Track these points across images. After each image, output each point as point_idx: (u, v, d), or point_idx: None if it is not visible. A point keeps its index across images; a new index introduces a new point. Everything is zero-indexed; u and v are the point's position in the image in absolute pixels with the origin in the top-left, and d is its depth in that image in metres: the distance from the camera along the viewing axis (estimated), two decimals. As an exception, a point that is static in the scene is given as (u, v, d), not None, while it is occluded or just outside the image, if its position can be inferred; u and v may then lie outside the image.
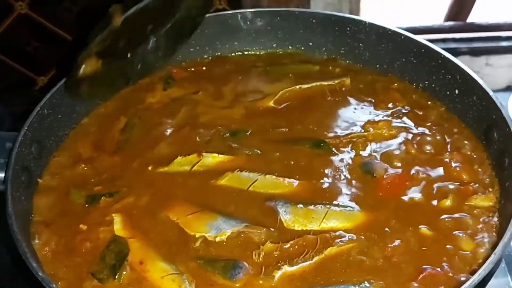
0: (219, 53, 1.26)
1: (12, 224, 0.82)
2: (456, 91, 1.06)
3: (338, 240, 0.85)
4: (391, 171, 0.96)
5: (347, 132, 1.04)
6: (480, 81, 1.00)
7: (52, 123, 1.03)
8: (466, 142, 1.01)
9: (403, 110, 1.09)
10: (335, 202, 0.91)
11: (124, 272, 0.83)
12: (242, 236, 0.86)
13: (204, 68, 1.24)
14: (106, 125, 1.10)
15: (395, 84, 1.15)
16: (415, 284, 0.80)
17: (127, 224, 0.90)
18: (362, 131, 1.04)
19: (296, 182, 0.94)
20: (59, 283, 0.82)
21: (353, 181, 0.95)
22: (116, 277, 0.82)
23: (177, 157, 0.99)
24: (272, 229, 0.87)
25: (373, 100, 1.11)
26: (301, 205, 0.89)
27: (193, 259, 0.84)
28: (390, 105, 1.10)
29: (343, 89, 1.14)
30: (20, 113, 1.22)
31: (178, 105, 1.13)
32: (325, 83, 1.15)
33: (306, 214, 0.88)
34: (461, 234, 0.86)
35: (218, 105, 1.13)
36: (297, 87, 1.14)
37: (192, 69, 1.23)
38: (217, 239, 0.86)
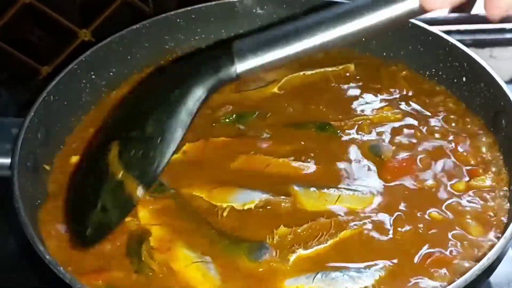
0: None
1: (20, 208, 0.81)
2: (464, 79, 1.06)
3: (351, 224, 0.85)
4: (398, 154, 0.96)
5: (352, 115, 1.04)
6: (488, 68, 0.99)
7: (59, 110, 1.02)
8: (473, 128, 1.01)
9: (409, 96, 1.08)
10: (346, 186, 0.91)
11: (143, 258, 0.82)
12: (268, 207, 0.87)
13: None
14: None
15: (402, 72, 1.15)
16: (424, 267, 0.80)
17: (151, 211, 0.88)
18: (368, 114, 1.04)
19: (308, 165, 0.94)
20: (69, 268, 0.81)
21: (362, 164, 0.95)
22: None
23: (184, 144, 0.98)
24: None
25: (378, 86, 1.11)
26: (314, 188, 0.90)
27: (218, 242, 0.83)
28: (396, 91, 1.09)
29: (347, 74, 1.14)
30: (24, 102, 1.22)
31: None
32: (329, 69, 1.14)
33: (319, 197, 0.89)
34: (469, 219, 0.86)
35: (224, 90, 1.12)
36: (301, 73, 1.13)
37: (197, 59, 1.23)
38: (246, 207, 0.86)
